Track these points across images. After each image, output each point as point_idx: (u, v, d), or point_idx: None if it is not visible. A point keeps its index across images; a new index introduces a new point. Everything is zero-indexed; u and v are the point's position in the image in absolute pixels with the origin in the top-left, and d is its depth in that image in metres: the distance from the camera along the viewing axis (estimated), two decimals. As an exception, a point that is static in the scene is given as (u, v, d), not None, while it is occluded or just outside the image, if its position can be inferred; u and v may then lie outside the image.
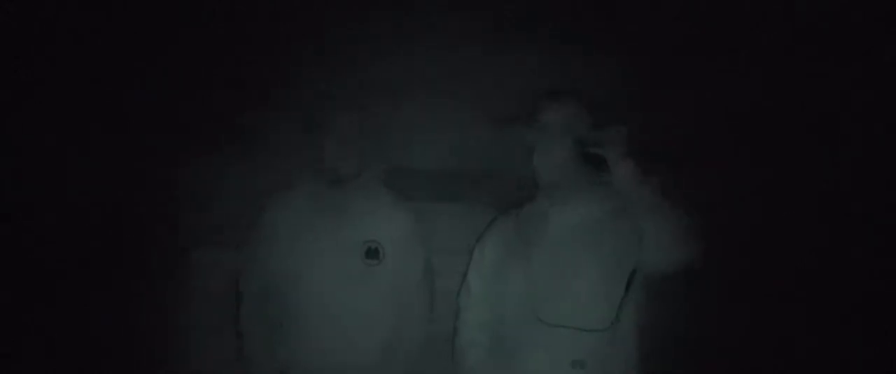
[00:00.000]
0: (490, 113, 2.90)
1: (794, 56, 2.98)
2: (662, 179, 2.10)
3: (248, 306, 2.62)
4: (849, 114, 2.94)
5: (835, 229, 2.90)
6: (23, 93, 2.89)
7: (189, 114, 3.06)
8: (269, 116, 3.10)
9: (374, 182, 2.65)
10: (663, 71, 3.01)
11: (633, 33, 3.03)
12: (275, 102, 3.10)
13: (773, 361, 2.89)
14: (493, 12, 3.09)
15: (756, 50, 3.02)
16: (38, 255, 2.65)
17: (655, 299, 2.23)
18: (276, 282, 2.56)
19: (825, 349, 2.83)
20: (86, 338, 2.56)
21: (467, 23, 3.10)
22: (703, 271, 2.10)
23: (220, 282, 2.96)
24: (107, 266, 2.57)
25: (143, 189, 2.67)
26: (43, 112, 2.87)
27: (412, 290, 2.58)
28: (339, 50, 3.13)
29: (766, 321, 2.96)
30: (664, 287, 2.19)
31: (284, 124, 3.03)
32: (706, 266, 2.08)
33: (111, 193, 2.69)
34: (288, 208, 2.62)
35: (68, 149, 2.88)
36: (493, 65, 3.12)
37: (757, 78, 3.01)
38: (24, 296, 2.61)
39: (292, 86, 3.11)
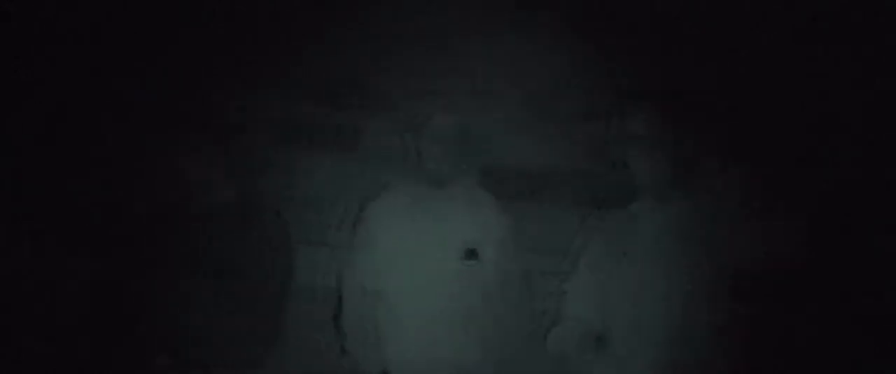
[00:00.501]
0: (583, 112, 2.93)
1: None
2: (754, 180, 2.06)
3: (349, 306, 2.68)
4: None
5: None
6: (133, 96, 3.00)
7: (292, 115, 3.14)
8: (369, 118, 3.15)
9: (471, 183, 2.69)
10: (759, 72, 2.97)
11: (728, 31, 2.99)
12: (375, 104, 3.16)
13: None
14: (583, 9, 3.09)
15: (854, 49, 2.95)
16: (143, 251, 2.71)
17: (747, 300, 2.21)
18: (377, 282, 2.62)
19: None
20: (192, 334, 2.62)
21: (558, 23, 3.11)
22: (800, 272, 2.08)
23: (323, 281, 3.00)
24: (216, 265, 2.62)
25: (249, 190, 2.72)
26: (153, 113, 2.96)
27: (510, 290, 2.60)
28: (433, 52, 3.16)
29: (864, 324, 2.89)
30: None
31: (384, 126, 3.08)
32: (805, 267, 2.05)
33: (220, 193, 2.75)
34: (388, 209, 2.68)
35: (178, 153, 2.93)
36: (584, 62, 3.11)
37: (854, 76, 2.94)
38: (123, 293, 2.68)
39: (391, 87, 3.16)
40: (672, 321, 2.17)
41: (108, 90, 3.02)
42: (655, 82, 2.66)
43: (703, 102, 2.55)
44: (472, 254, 2.57)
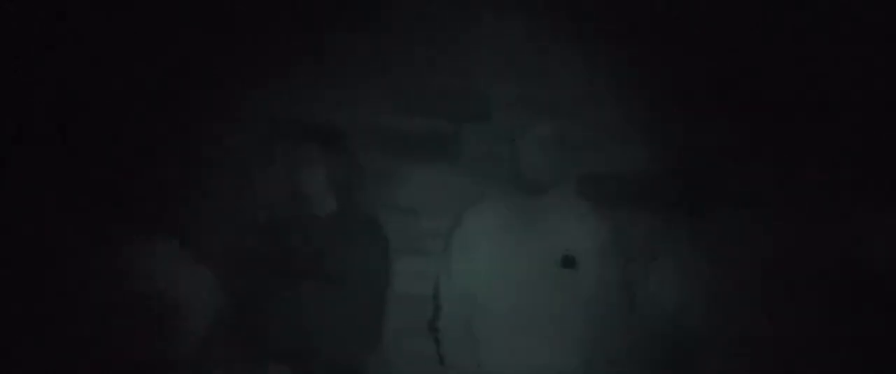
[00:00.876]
0: (679, 114, 2.88)
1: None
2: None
3: (447, 313, 2.69)
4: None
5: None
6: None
7: (392, 125, 3.20)
8: (467, 127, 3.17)
9: (569, 190, 2.68)
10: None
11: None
12: (473, 113, 3.17)
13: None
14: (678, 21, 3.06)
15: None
16: (257, 259, 2.76)
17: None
18: (475, 289, 2.62)
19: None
20: (297, 340, 2.65)
21: (650, 32, 3.09)
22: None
23: (421, 289, 2.99)
24: (319, 273, 2.65)
25: (350, 198, 2.75)
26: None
27: (608, 297, 2.57)
28: (529, 60, 3.17)
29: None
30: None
31: (482, 134, 3.10)
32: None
33: (323, 202, 2.78)
34: (486, 216, 2.68)
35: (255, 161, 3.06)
36: (682, 65, 3.08)
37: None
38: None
39: (488, 97, 3.18)
40: (763, 325, 2.13)
41: (218, 100, 3.13)
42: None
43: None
44: (569, 261, 2.55)
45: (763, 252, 2.27)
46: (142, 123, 3.02)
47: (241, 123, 3.16)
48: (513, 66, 3.19)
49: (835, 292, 2.16)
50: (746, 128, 2.44)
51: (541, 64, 3.17)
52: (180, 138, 3.08)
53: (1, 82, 2.91)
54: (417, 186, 3.21)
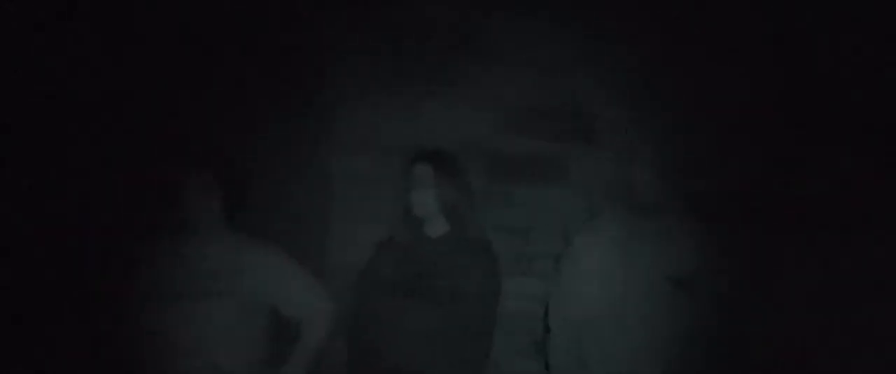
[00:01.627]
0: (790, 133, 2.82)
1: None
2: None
3: (556, 335, 2.67)
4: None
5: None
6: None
7: (503, 146, 3.19)
8: (578, 148, 3.15)
9: (679, 210, 2.62)
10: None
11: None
12: (584, 134, 3.16)
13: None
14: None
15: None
16: (370, 280, 2.79)
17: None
18: (584, 311, 2.60)
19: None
20: (407, 360, 2.64)
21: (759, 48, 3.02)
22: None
23: (530, 310, 3.05)
24: (428, 294, 2.65)
25: (461, 220, 2.73)
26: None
27: (721, 318, 2.52)
28: (637, 81, 3.16)
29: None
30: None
31: (593, 155, 3.08)
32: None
33: (435, 224, 2.78)
34: (598, 237, 2.66)
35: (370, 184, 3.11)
36: (793, 86, 3.02)
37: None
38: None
39: (599, 117, 3.17)
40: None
41: (333, 121, 3.19)
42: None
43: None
44: (681, 282, 2.51)
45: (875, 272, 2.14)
46: (267, 143, 3.12)
47: (358, 147, 3.21)
48: (621, 87, 3.17)
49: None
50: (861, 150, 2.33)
51: (648, 86, 3.15)
52: (300, 161, 3.19)
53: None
54: (527, 207, 3.19)
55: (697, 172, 2.74)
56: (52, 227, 2.97)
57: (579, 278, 2.61)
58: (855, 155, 2.57)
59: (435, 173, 2.69)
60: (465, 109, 3.21)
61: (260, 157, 2.79)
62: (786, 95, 2.97)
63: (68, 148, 2.98)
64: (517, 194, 3.20)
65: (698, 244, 2.56)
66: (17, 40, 3.03)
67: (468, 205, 2.74)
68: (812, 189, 2.74)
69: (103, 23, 3.05)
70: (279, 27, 3.14)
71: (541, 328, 2.75)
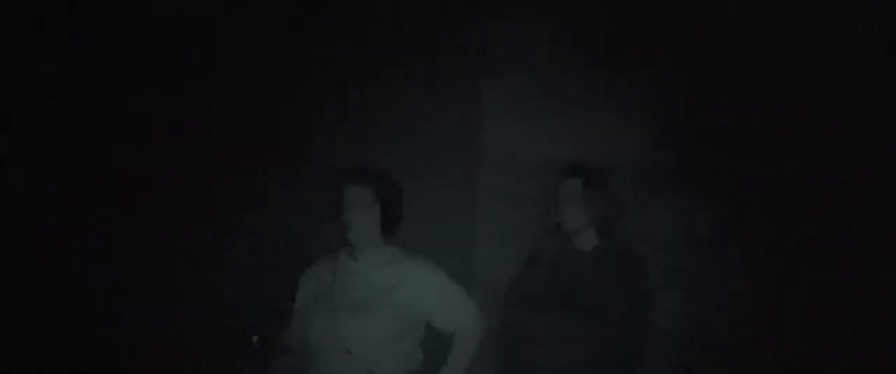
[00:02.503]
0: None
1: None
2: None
3: (703, 351, 2.74)
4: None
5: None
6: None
7: (649, 159, 3.16)
8: (721, 159, 3.10)
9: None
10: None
11: None
12: (725, 145, 3.10)
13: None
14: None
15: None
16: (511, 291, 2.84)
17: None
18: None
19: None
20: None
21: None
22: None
23: (675, 325, 3.01)
24: (574, 307, 2.64)
25: (610, 235, 2.73)
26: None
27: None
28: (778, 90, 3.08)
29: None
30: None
31: (743, 169, 3.02)
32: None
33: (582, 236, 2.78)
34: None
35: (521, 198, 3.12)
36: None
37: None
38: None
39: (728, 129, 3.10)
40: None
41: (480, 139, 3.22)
42: None
43: None
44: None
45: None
46: (418, 161, 3.19)
47: (506, 163, 3.22)
48: (759, 97, 3.10)
49: None
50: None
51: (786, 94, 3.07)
52: (449, 178, 3.25)
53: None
54: (672, 219, 3.15)
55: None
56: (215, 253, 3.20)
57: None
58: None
59: (584, 187, 2.69)
60: (612, 123, 3.19)
61: (411, 174, 2.79)
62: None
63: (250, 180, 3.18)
64: (663, 206, 3.16)
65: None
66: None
67: (618, 218, 2.72)
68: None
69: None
70: (431, 46, 3.21)
71: (687, 343, 2.77)
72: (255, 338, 2.45)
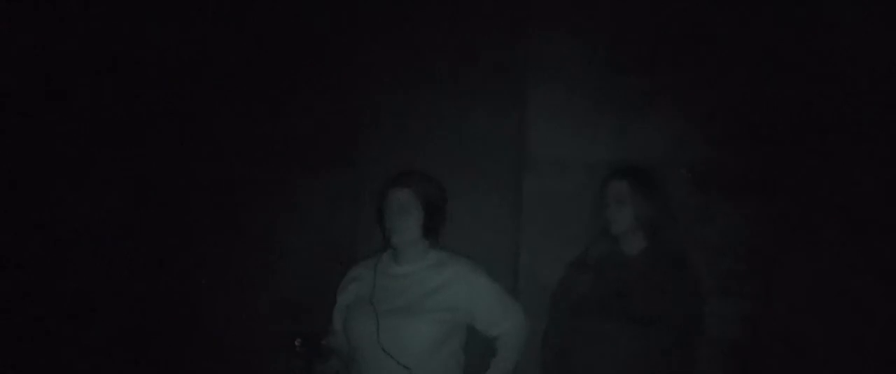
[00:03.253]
0: None
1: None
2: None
3: (760, 357, 2.68)
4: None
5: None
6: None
7: (698, 160, 3.11)
8: (781, 159, 3.04)
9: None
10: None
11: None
12: (780, 145, 3.04)
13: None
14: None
15: None
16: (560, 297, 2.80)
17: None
18: (788, 333, 2.58)
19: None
20: None
21: None
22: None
23: (732, 331, 2.94)
24: (626, 312, 2.61)
25: (659, 238, 2.68)
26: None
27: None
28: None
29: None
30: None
31: (800, 171, 2.97)
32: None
33: (633, 240, 2.75)
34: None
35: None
36: None
37: None
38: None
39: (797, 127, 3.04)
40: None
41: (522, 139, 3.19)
42: None
43: None
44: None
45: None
46: (461, 164, 3.16)
47: (551, 165, 3.19)
48: (814, 98, 3.04)
49: None
50: None
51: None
52: (494, 180, 3.20)
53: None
54: (727, 223, 3.07)
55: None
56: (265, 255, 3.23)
57: (782, 296, 2.61)
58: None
59: (631, 189, 2.65)
60: (661, 124, 3.14)
61: (455, 177, 2.82)
62: None
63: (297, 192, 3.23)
64: (717, 209, 3.07)
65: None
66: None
67: (667, 221, 2.67)
68: None
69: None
70: (477, 49, 3.19)
71: (744, 350, 2.70)
72: (297, 341, 2.44)
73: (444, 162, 3.07)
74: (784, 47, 3.05)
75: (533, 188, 3.20)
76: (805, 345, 2.72)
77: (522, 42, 3.18)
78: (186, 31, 3.27)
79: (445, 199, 2.59)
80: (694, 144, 3.08)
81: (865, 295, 2.79)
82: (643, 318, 2.54)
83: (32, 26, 3.29)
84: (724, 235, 3.03)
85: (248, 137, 3.25)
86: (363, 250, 2.88)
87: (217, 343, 3.18)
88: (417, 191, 2.52)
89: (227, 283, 3.22)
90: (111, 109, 3.29)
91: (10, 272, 3.25)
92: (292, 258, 3.23)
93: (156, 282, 3.22)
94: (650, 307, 2.56)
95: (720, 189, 3.05)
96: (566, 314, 2.69)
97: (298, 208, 3.26)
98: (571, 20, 3.19)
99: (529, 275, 3.15)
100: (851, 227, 2.75)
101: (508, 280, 3.04)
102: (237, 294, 3.21)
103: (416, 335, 2.40)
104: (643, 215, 2.64)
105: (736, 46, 3.08)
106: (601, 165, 2.89)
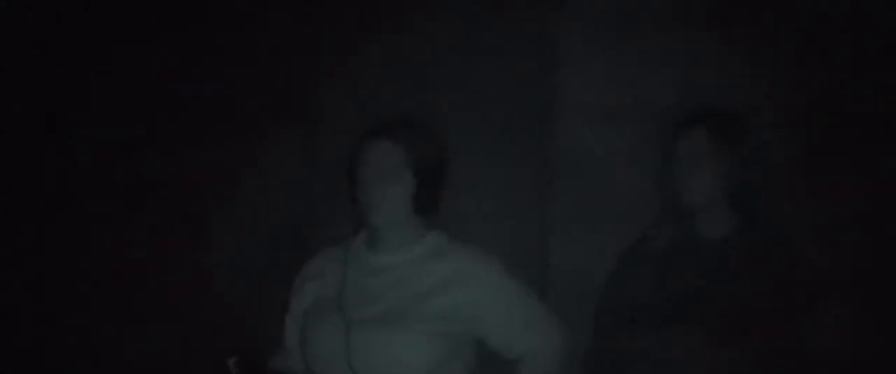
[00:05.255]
0: None
1: None
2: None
3: None
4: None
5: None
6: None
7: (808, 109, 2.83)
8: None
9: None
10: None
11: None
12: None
13: None
14: None
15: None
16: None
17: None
18: None
19: None
20: None
21: None
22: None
23: (842, 346, 2.50)
24: (685, 316, 2.24)
25: (753, 216, 2.30)
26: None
27: None
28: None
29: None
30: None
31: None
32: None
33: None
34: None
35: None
36: None
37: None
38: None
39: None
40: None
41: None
42: None
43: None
44: None
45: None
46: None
47: (591, 109, 2.90)
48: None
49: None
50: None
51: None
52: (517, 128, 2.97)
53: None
54: (848, 195, 2.80)
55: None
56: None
57: None
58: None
59: (714, 142, 2.24)
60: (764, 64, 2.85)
61: (461, 130, 2.60)
62: None
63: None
64: (833, 173, 2.78)
65: None
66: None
67: (764, 189, 2.29)
68: None
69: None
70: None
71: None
72: (231, 360, 2.10)
73: (447, 112, 2.85)
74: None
75: (568, 146, 2.93)
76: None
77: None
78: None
79: (446, 159, 2.21)
80: (802, 81, 2.81)
81: None
82: (731, 330, 2.16)
83: None
84: (842, 211, 2.75)
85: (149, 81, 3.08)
86: (324, 234, 2.65)
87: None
88: (406, 146, 2.14)
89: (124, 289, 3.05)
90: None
91: None
92: (224, 248, 3.00)
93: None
94: (741, 315, 2.17)
95: (837, 144, 2.78)
96: (618, 326, 2.32)
97: (233, 179, 3.04)
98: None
99: (564, 269, 2.95)
100: None
101: (534, 277, 2.70)
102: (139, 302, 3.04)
103: (403, 354, 2.08)
104: (730, 180, 2.24)
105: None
106: (661, 109, 2.66)
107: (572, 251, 2.95)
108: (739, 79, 2.81)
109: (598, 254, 2.55)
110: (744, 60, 2.86)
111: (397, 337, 2.10)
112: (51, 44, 3.19)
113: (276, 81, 3.11)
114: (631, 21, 2.96)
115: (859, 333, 2.71)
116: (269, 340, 2.33)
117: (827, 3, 2.86)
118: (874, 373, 2.74)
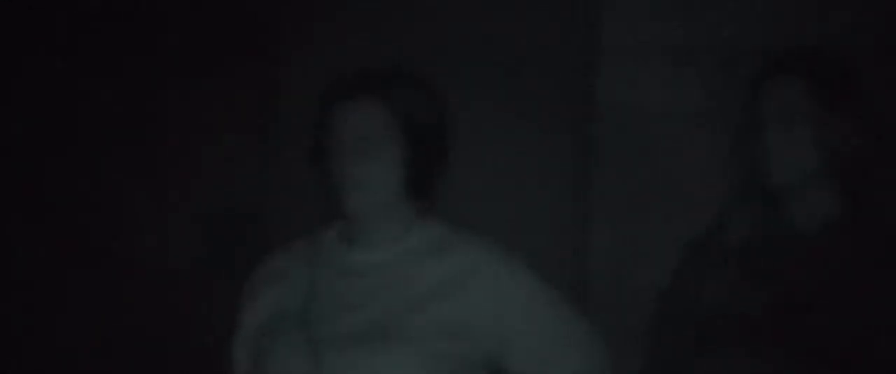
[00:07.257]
0: None
1: None
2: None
3: None
4: None
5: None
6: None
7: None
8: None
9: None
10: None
11: None
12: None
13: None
14: None
15: None
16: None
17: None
18: None
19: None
20: None
21: None
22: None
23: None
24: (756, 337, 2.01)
25: (859, 199, 2.04)
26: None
27: None
28: None
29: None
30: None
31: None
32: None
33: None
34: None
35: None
36: None
37: None
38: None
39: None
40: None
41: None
42: None
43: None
44: None
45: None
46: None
47: (637, 50, 2.62)
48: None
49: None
50: None
51: None
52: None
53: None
54: None
55: None
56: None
57: None
58: None
59: (809, 99, 1.84)
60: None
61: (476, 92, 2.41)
62: None
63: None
64: None
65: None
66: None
67: (879, 162, 1.95)
68: None
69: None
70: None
71: None
72: None
73: (455, 59, 2.57)
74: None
75: (613, 101, 2.62)
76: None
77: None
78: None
79: (447, 122, 1.87)
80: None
81: None
82: (834, 352, 1.80)
83: None
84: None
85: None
86: (285, 225, 2.45)
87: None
88: (393, 106, 1.81)
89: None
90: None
91: None
92: (151, 237, 2.72)
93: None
94: (847, 332, 1.80)
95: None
96: (682, 344, 1.98)
97: (162, 149, 2.76)
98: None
99: (607, 267, 2.71)
100: None
101: (571, 279, 2.59)
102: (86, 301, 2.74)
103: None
104: (833, 144, 1.85)
105: None
106: (738, 60, 2.34)
107: (618, 244, 2.68)
108: (845, 8, 2.49)
109: (651, 248, 2.43)
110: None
111: (382, 359, 1.77)
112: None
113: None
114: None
115: None
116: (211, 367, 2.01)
117: None
118: None
